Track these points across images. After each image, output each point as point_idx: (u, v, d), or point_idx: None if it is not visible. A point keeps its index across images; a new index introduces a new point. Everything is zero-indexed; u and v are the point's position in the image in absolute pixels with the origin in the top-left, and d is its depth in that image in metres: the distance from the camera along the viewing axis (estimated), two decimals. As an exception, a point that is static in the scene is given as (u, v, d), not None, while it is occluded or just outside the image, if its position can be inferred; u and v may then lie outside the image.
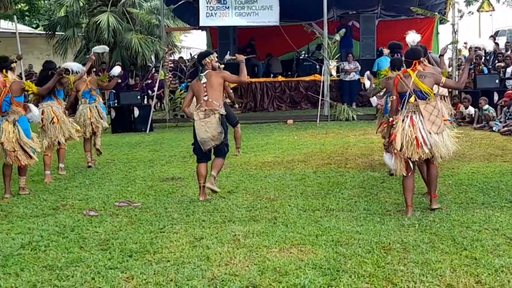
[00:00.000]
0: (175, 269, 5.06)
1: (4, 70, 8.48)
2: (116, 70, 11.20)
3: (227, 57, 8.58)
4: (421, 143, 6.52)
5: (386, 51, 9.78)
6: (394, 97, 6.86)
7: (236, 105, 11.33)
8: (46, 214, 7.28)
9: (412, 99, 6.61)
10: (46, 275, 5.04)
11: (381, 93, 8.96)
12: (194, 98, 7.96)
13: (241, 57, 8.00)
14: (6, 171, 8.46)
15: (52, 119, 9.36)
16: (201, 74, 7.84)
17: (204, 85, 7.69)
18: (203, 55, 8.04)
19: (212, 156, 7.82)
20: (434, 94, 6.90)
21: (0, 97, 8.25)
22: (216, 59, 8.02)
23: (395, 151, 6.71)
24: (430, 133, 6.55)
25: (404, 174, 6.68)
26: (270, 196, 7.85)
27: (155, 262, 5.26)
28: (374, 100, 9.38)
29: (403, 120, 6.66)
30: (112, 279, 4.86)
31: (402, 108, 6.74)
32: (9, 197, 8.31)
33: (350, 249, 5.43)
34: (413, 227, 6.13)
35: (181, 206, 7.46)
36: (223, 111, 7.74)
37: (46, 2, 35.84)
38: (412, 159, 6.61)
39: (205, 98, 7.65)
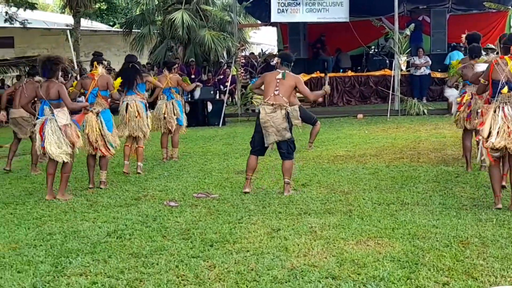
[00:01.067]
0: (255, 259, 5.10)
1: (95, 63, 8.77)
2: (197, 93, 11.46)
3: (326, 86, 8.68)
4: None
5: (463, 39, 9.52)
6: (486, 81, 6.66)
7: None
8: (129, 204, 7.46)
9: (505, 90, 6.40)
10: (132, 262, 5.16)
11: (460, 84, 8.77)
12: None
13: (328, 90, 8.58)
14: (91, 162, 8.70)
15: (137, 113, 9.55)
16: (279, 71, 7.83)
17: (278, 81, 7.68)
18: (290, 58, 8.13)
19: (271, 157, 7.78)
20: None
21: (88, 89, 8.53)
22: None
23: (482, 138, 6.54)
24: None
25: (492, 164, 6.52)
26: (344, 189, 7.81)
27: (235, 252, 5.31)
28: (451, 93, 9.09)
29: (494, 111, 6.47)
30: (195, 267, 4.94)
31: (494, 97, 6.53)
32: (92, 188, 8.55)
33: (428, 243, 5.35)
34: (491, 222, 5.98)
35: (257, 198, 7.51)
36: (289, 109, 7.73)
37: (123, 1, 36.60)
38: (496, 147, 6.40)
39: (276, 92, 7.63)
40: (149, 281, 4.68)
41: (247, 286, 4.50)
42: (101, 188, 8.52)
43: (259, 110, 7.77)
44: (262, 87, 8.02)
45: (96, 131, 8.42)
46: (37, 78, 8.50)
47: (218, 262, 5.04)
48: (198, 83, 11.69)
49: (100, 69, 8.78)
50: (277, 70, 7.93)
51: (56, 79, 7.82)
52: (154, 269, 4.95)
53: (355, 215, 6.42)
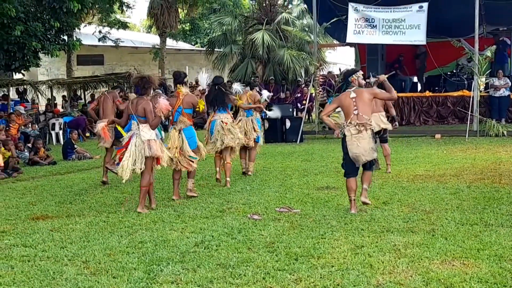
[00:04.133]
0: (340, 274, 5.04)
1: (178, 85, 8.94)
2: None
3: (372, 79, 8.41)
4: None
5: None
6: None
7: (396, 123, 11.05)
8: (214, 216, 7.54)
9: None
10: (220, 272, 5.20)
11: None
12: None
13: (383, 77, 7.90)
14: (175, 175, 8.87)
15: (224, 128, 9.74)
16: (350, 90, 7.64)
17: (354, 100, 7.48)
18: (350, 73, 7.87)
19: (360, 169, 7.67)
20: None
21: (174, 108, 8.69)
22: (362, 77, 7.89)
23: None
24: None
25: None
26: (425, 208, 7.63)
27: (320, 267, 5.26)
28: None
29: None
30: (282, 280, 4.93)
31: None
32: (176, 199, 8.70)
33: (515, 265, 5.16)
34: None
35: (338, 214, 7.44)
36: (374, 127, 7.58)
37: (206, 22, 37.31)
38: None
39: (355, 112, 7.44)
40: (237, 292, 4.70)
41: (333, 301, 4.46)
42: (188, 196, 8.74)
43: (344, 134, 7.56)
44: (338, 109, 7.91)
45: (176, 148, 8.56)
46: (132, 95, 8.74)
47: (304, 276, 5.01)
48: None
49: (184, 89, 8.90)
50: (348, 89, 7.72)
51: (147, 96, 8.02)
52: (241, 280, 4.97)
53: (439, 235, 6.26)
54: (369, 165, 7.66)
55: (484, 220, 6.87)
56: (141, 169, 7.83)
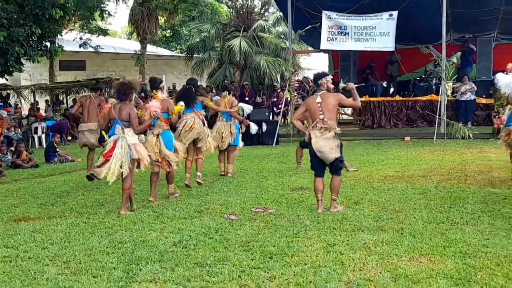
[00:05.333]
0: (312, 271, 5.05)
1: (154, 90, 8.90)
2: (246, 108, 11.60)
3: (341, 84, 8.47)
4: None
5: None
6: None
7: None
8: (192, 216, 7.51)
9: None
10: (197, 271, 5.18)
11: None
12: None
13: (351, 85, 7.96)
14: (153, 178, 8.84)
15: (191, 127, 9.60)
16: (317, 94, 7.70)
17: (320, 105, 7.54)
18: (319, 76, 7.88)
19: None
20: None
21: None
22: (331, 81, 7.90)
23: None
24: None
25: None
26: (395, 208, 7.69)
27: (293, 264, 5.27)
28: None
29: None
30: (257, 278, 4.93)
31: None
32: (153, 200, 8.66)
33: (479, 261, 5.20)
34: (541, 243, 5.80)
35: (312, 214, 7.45)
36: (338, 130, 7.61)
37: (185, 29, 37.25)
38: None
39: (321, 117, 7.52)
40: (213, 289, 4.70)
41: (306, 297, 4.47)
42: (171, 199, 8.73)
43: (309, 136, 7.61)
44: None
45: (156, 151, 8.52)
46: (112, 100, 8.70)
47: (278, 274, 5.02)
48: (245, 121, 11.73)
49: (160, 94, 8.86)
50: (316, 94, 7.80)
51: (129, 102, 7.98)
52: (218, 278, 4.96)
53: (407, 233, 6.31)
54: (336, 169, 7.66)
55: (450, 219, 6.94)
56: (127, 171, 7.78)
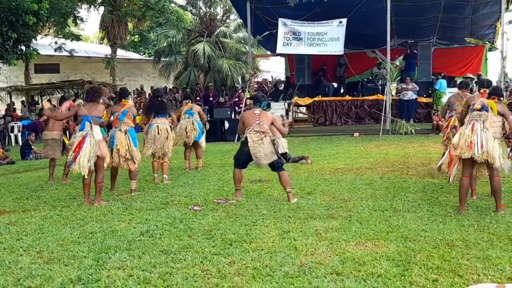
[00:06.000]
0: (269, 256, 5.06)
1: (123, 99, 8.88)
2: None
3: (281, 114, 8.77)
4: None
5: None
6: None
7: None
8: (159, 208, 7.45)
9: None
10: (162, 258, 5.14)
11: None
12: None
13: (286, 122, 8.64)
14: (113, 172, 8.85)
15: (167, 135, 9.65)
16: (255, 109, 7.90)
17: (257, 116, 7.77)
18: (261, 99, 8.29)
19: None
20: None
21: (119, 111, 8.58)
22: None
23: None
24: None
25: None
26: (344, 197, 7.77)
27: (251, 250, 5.27)
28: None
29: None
30: (217, 263, 4.91)
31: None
32: (112, 193, 8.69)
33: (418, 245, 5.30)
34: (472, 227, 5.92)
35: (269, 204, 7.47)
36: (274, 137, 7.70)
37: (153, 34, 36.86)
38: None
39: (257, 122, 7.69)
40: (177, 275, 4.65)
41: (262, 280, 4.46)
42: (133, 195, 8.53)
43: (246, 139, 7.67)
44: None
45: (125, 146, 8.43)
46: (79, 101, 8.58)
47: (237, 259, 5.01)
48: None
49: (130, 101, 9.15)
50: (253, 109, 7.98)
51: (98, 103, 7.92)
52: (181, 264, 4.92)
53: (355, 220, 6.38)
54: (277, 167, 7.74)
55: (393, 207, 7.04)
56: (94, 166, 7.69)
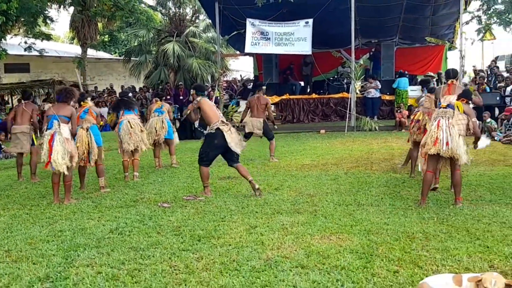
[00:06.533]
0: (236, 251, 5.05)
1: (83, 102, 8.79)
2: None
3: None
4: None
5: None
6: None
7: (275, 126, 11.76)
8: (128, 205, 7.37)
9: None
10: (131, 254, 5.09)
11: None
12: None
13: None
14: (82, 170, 8.73)
15: (140, 128, 9.66)
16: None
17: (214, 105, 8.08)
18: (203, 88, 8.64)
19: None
20: None
21: (80, 110, 8.50)
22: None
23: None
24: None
25: None
26: (310, 192, 7.81)
27: (219, 246, 5.26)
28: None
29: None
30: (185, 259, 4.89)
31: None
32: (82, 191, 8.59)
33: (380, 237, 5.36)
34: (432, 220, 6.02)
35: (237, 200, 7.46)
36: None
37: (123, 34, 36.44)
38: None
39: (220, 115, 7.97)
40: (146, 271, 4.61)
41: (229, 275, 4.46)
42: (102, 192, 8.42)
43: (218, 132, 7.65)
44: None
45: (84, 144, 8.32)
46: (47, 105, 8.48)
47: (205, 254, 4.99)
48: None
49: (90, 102, 9.13)
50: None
51: (68, 105, 7.81)
52: (150, 261, 4.88)
53: (320, 214, 6.42)
54: (236, 158, 7.83)
55: (357, 201, 7.11)
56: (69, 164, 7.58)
